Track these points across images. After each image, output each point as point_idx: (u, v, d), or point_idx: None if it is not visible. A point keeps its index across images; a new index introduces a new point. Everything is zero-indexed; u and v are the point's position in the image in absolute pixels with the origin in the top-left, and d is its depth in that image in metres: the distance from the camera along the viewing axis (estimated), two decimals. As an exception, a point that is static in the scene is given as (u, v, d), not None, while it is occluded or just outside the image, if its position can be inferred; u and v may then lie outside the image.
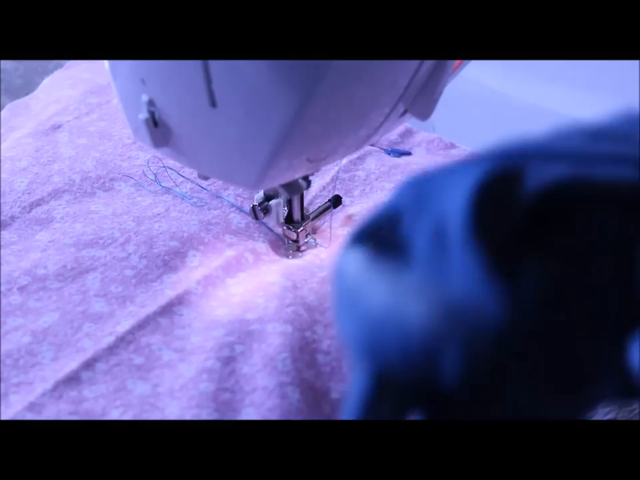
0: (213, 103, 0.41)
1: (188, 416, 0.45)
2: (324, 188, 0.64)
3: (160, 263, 0.56)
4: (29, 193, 0.63)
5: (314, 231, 0.60)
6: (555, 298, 0.20)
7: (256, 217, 0.57)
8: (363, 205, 0.63)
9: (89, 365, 0.48)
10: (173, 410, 0.46)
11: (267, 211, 0.56)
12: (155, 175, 0.65)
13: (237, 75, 0.40)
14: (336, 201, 0.60)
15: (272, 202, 0.56)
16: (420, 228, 0.21)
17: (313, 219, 0.59)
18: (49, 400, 0.46)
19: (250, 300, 0.53)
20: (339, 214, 0.62)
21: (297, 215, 0.58)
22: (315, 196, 0.64)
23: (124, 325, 0.51)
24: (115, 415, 0.46)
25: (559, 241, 0.21)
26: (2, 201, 0.62)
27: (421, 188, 0.22)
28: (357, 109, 0.44)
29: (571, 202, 0.21)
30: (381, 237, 0.22)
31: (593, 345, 0.21)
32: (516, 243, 0.21)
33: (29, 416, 0.45)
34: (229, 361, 0.48)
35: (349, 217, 0.61)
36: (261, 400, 0.46)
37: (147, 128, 0.46)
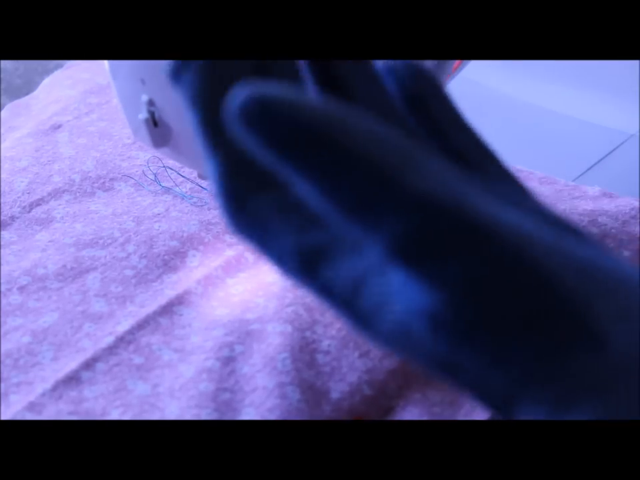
0: (213, 103, 0.41)
1: (188, 416, 0.45)
2: (324, 188, 0.65)
3: (160, 263, 0.56)
4: (28, 193, 0.63)
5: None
6: None
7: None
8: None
9: (88, 365, 0.48)
10: (173, 410, 0.46)
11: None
12: (155, 174, 0.65)
13: (237, 75, 0.39)
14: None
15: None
16: None
17: (313, 218, 0.59)
18: (49, 400, 0.46)
19: (250, 300, 0.53)
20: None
21: (296, 215, 0.58)
22: (314, 196, 0.64)
23: (124, 325, 0.51)
24: (115, 414, 0.46)
25: None
26: (2, 200, 0.62)
27: None
28: (356, 109, 0.44)
29: None
30: None
31: None
32: None
33: (29, 416, 0.45)
34: (228, 360, 0.48)
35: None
36: (260, 400, 0.46)
37: (146, 128, 0.46)
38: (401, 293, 0.20)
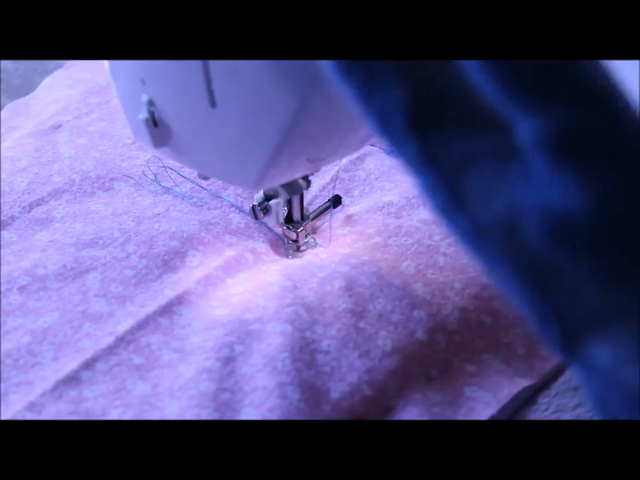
0: (213, 103, 0.42)
1: (188, 416, 0.45)
2: (324, 188, 0.64)
3: (160, 263, 0.56)
4: (28, 193, 0.63)
5: (314, 231, 0.60)
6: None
7: (256, 217, 0.57)
8: (362, 205, 0.63)
9: (88, 365, 0.48)
10: (173, 410, 0.46)
11: (266, 210, 0.56)
12: (155, 174, 0.65)
13: (237, 75, 0.40)
14: (336, 201, 0.60)
15: (272, 202, 0.56)
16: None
17: (313, 219, 0.59)
18: (49, 400, 0.46)
19: (250, 300, 0.53)
20: (338, 214, 0.62)
21: (296, 215, 0.58)
22: (314, 196, 0.64)
23: (124, 325, 0.51)
24: (114, 414, 0.46)
25: None
26: (2, 200, 0.62)
27: None
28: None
29: None
30: None
31: None
32: None
33: (29, 416, 0.45)
34: (228, 360, 0.48)
35: (349, 217, 0.61)
36: (260, 400, 0.46)
37: (146, 128, 0.46)
38: (519, 186, 0.18)
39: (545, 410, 0.46)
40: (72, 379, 0.47)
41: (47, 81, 0.80)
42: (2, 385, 0.47)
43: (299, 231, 0.58)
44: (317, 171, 0.54)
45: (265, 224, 0.61)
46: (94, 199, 0.63)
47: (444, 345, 0.50)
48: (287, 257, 0.59)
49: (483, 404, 0.47)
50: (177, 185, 0.64)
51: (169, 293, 0.54)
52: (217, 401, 0.46)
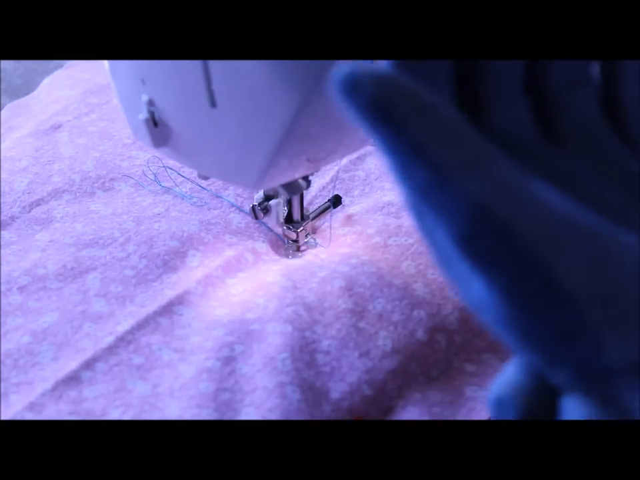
0: (213, 103, 0.42)
1: (188, 416, 0.45)
2: (324, 188, 0.65)
3: (160, 263, 0.56)
4: (28, 193, 0.63)
5: (314, 231, 0.60)
6: None
7: (256, 217, 0.57)
8: (363, 205, 0.63)
9: (89, 365, 0.48)
10: (173, 410, 0.46)
11: (266, 210, 0.56)
12: (155, 174, 0.65)
13: (237, 75, 0.40)
14: (336, 201, 0.60)
15: (272, 202, 0.56)
16: None
17: (313, 219, 0.59)
18: (49, 400, 0.46)
19: (250, 300, 0.53)
20: (338, 214, 0.62)
21: (296, 215, 0.58)
22: (314, 196, 0.64)
23: (124, 325, 0.51)
24: (114, 414, 0.46)
25: None
26: (2, 200, 0.62)
27: None
28: (356, 109, 0.44)
29: None
30: None
31: None
32: None
33: (29, 416, 0.45)
34: (228, 360, 0.48)
35: (349, 217, 0.61)
36: (260, 400, 0.46)
37: (146, 128, 0.46)
38: (461, 280, 0.22)
39: (545, 410, 0.46)
40: (72, 379, 0.47)
41: (47, 81, 0.80)
42: (2, 384, 0.47)
43: (299, 231, 0.58)
44: (316, 171, 0.54)
45: (265, 224, 0.61)
46: (94, 199, 0.63)
47: (444, 345, 0.50)
48: (287, 256, 0.59)
49: (483, 404, 0.47)
50: (177, 185, 0.64)
51: (168, 293, 0.54)
52: (217, 401, 0.46)
